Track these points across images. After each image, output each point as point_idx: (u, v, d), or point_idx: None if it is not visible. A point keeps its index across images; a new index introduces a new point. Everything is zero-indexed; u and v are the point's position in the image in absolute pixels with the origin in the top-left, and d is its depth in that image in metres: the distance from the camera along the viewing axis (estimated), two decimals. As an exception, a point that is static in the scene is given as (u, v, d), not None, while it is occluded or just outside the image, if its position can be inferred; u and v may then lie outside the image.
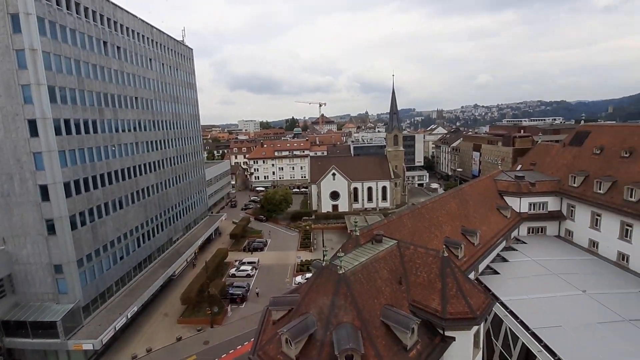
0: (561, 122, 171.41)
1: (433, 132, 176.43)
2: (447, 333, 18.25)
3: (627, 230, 31.59)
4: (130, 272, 43.96)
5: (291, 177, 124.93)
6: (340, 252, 18.62)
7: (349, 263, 18.72)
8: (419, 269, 20.43)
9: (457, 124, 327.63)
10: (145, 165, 48.81)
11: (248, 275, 53.34)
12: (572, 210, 38.08)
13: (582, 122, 50.52)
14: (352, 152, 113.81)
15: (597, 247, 34.81)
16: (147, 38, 51.43)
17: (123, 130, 44.18)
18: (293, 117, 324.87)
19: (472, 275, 28.31)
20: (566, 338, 21.78)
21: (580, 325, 22.91)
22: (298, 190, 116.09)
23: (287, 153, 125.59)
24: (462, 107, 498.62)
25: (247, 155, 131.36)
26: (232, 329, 40.51)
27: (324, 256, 19.55)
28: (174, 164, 58.41)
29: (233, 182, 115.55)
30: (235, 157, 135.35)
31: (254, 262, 57.07)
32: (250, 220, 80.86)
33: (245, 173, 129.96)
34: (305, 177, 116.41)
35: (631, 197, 31.00)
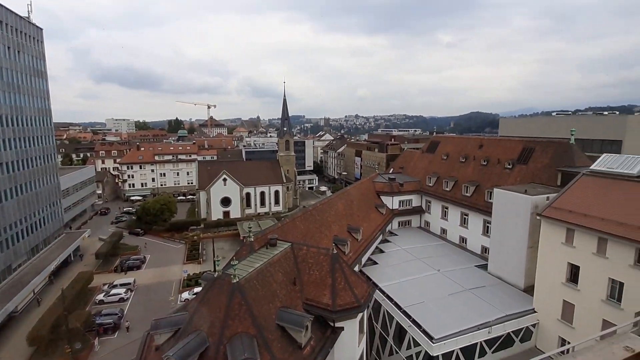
0: (420, 133, 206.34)
1: (321, 139, 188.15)
2: (337, 324, 19.75)
3: (464, 218, 40.37)
4: (-60, 317, 32.65)
5: (176, 184, 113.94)
6: (234, 259, 18.02)
7: (244, 270, 18.30)
8: (312, 268, 21.53)
9: (342, 131, 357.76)
10: (-37, 172, 37.15)
11: (122, 300, 46.11)
12: (429, 205, 46.40)
13: (435, 133, 62.45)
14: (244, 156, 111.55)
15: (446, 234, 43.29)
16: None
17: None
18: (177, 118, 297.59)
19: (356, 268, 31.36)
20: (427, 311, 26.39)
21: (437, 299, 28.10)
22: (184, 197, 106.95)
23: (170, 157, 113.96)
24: (346, 116, 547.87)
25: (118, 160, 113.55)
26: (102, 365, 34.33)
27: (215, 266, 18.58)
28: (13, 170, 46.25)
29: (99, 192, 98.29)
30: (103, 162, 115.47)
31: (129, 284, 49.68)
32: (124, 235, 70.18)
33: (117, 180, 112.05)
34: (192, 183, 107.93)
35: (466, 192, 39.80)
